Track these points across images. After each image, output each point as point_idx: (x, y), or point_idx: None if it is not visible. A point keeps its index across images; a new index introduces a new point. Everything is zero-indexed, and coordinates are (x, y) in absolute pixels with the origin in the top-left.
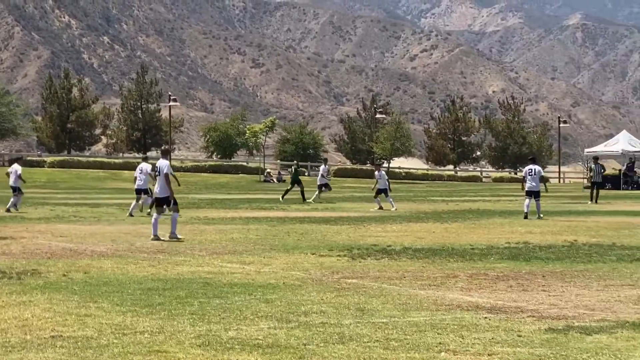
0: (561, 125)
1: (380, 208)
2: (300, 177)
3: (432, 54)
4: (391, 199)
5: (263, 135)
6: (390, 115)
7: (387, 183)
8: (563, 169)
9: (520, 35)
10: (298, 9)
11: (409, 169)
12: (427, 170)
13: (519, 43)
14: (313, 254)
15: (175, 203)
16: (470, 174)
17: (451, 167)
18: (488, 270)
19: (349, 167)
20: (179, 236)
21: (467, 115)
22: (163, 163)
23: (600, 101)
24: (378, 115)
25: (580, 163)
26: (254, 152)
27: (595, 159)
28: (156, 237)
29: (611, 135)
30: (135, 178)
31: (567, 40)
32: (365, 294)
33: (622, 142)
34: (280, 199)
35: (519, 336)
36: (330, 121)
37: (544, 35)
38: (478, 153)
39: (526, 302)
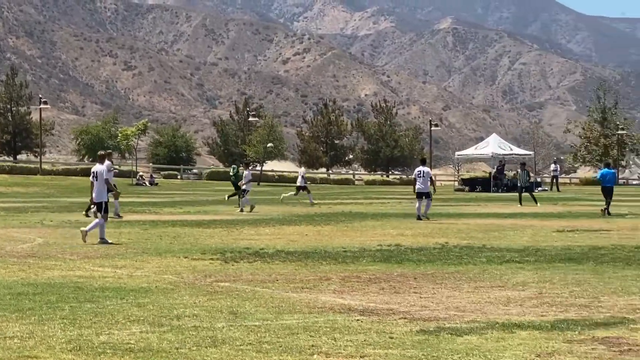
0: (432, 128)
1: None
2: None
3: (304, 57)
4: (247, 201)
5: (135, 138)
6: (263, 118)
7: (250, 184)
8: (434, 171)
9: (392, 39)
10: (170, 12)
11: (282, 172)
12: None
13: (391, 47)
14: (186, 257)
15: (106, 210)
16: (343, 176)
17: (324, 170)
18: (360, 273)
19: (221, 170)
20: (109, 240)
21: (339, 118)
22: (100, 168)
23: (470, 105)
24: (251, 119)
25: (451, 166)
26: (126, 155)
27: (523, 165)
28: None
29: (481, 139)
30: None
31: (438, 44)
32: (238, 297)
33: (492, 145)
34: (226, 198)
35: (391, 338)
36: (203, 124)
37: (416, 39)
38: (350, 156)
39: (398, 304)
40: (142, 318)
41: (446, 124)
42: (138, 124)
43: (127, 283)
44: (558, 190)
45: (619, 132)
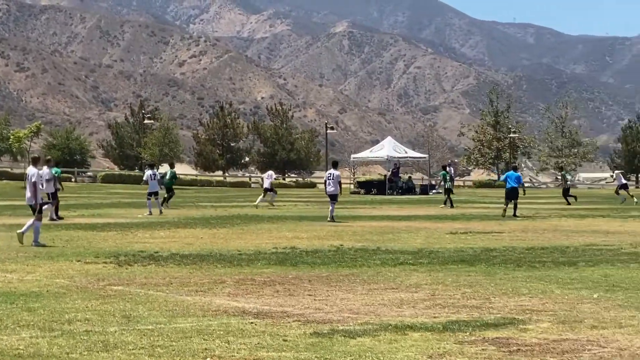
0: (328, 131)
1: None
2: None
3: (201, 60)
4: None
5: (28, 140)
6: (159, 120)
7: (157, 185)
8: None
9: (288, 42)
10: (64, 13)
11: (178, 174)
12: (196, 176)
13: (287, 50)
14: (78, 261)
15: (40, 212)
16: (240, 179)
17: (220, 172)
18: (255, 276)
19: (116, 172)
20: (43, 243)
21: (235, 121)
22: (32, 171)
23: (366, 108)
24: (146, 121)
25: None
26: (19, 157)
27: (445, 167)
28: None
29: (377, 141)
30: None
31: (334, 47)
32: (131, 301)
33: (387, 148)
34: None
35: (285, 340)
36: (98, 126)
37: (312, 42)
38: (247, 159)
39: (292, 306)
40: (32, 323)
41: (342, 126)
42: (31, 126)
43: (18, 287)
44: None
45: (511, 135)
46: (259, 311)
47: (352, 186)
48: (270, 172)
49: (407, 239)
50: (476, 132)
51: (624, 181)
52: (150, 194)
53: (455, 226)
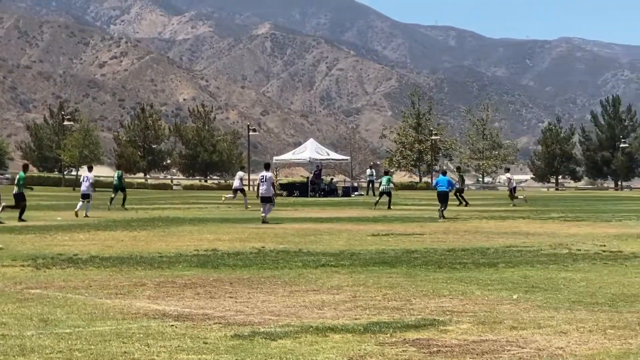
0: (251, 133)
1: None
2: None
3: (122, 61)
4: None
5: None
6: (79, 122)
7: (90, 188)
8: (252, 176)
9: (210, 44)
10: None
11: (98, 177)
12: None
13: (210, 51)
14: None
15: None
16: (161, 181)
17: (141, 174)
18: (176, 278)
19: (35, 174)
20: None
21: (157, 122)
22: None
23: (289, 110)
24: (66, 123)
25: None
26: None
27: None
28: None
29: (299, 144)
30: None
31: (256, 49)
32: (49, 304)
33: (309, 150)
34: (109, 204)
35: (205, 343)
36: (17, 128)
37: (234, 44)
38: (168, 161)
39: (213, 309)
40: None
41: (264, 128)
42: None
43: None
44: (374, 194)
45: (433, 137)
46: (180, 314)
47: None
48: (241, 172)
49: (329, 240)
50: (398, 134)
51: (514, 185)
52: (82, 196)
53: (377, 228)
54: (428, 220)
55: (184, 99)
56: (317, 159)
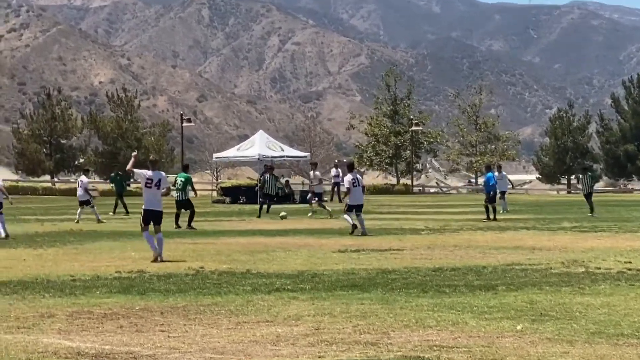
0: (185, 124)
1: None
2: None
3: (22, 35)
4: None
5: None
6: None
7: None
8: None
9: (133, 13)
10: None
11: None
12: (17, 182)
13: (132, 22)
14: None
15: None
16: (72, 185)
17: (48, 177)
18: (93, 307)
19: None
20: None
21: (67, 112)
22: None
23: (232, 95)
24: None
25: (208, 171)
26: None
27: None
28: None
29: (246, 137)
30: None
31: (190, 19)
32: None
33: (258, 145)
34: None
35: None
36: None
37: (163, 12)
38: (82, 160)
39: (140, 345)
40: None
41: (202, 118)
42: None
43: None
44: (340, 200)
45: (413, 127)
46: (98, 352)
47: (214, 193)
48: (83, 177)
49: (284, 259)
50: (369, 124)
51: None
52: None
53: (344, 242)
54: (408, 233)
55: (100, 82)
56: (268, 157)
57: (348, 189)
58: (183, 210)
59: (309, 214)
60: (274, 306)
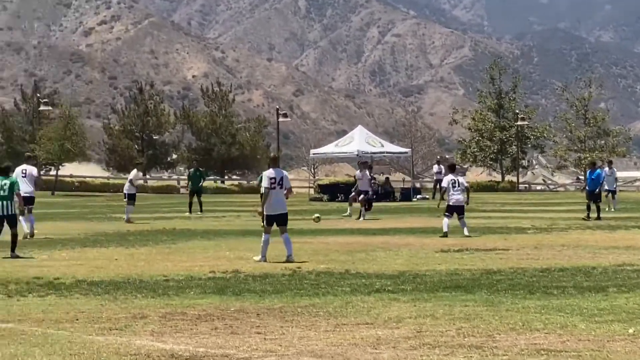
0: (280, 119)
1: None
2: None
3: (113, 28)
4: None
5: None
6: (59, 107)
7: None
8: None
9: (227, 4)
10: None
11: (84, 177)
12: (108, 178)
13: (226, 14)
14: None
15: None
16: (165, 183)
17: (140, 174)
18: (187, 308)
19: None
20: None
21: (159, 106)
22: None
23: (329, 89)
24: (42, 108)
25: (305, 168)
26: None
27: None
28: None
29: (344, 132)
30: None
31: (287, 10)
32: (25, 343)
33: (357, 141)
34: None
35: None
36: None
37: (258, 4)
38: (174, 156)
39: (236, 348)
40: None
41: (298, 113)
42: None
43: None
44: (442, 198)
45: (519, 122)
46: (192, 354)
47: (311, 191)
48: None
49: (384, 259)
50: (473, 119)
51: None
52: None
53: (447, 242)
54: (514, 232)
55: (194, 76)
56: (367, 153)
57: (446, 188)
58: None
59: (359, 218)
60: (374, 308)
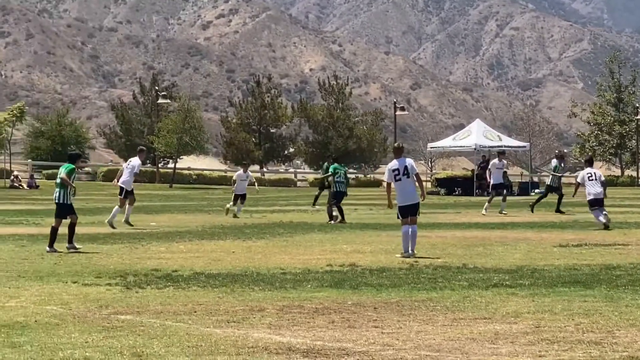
0: (398, 112)
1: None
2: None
3: (230, 21)
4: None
5: (9, 126)
6: (177, 100)
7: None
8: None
9: None
10: None
11: (202, 170)
12: (226, 171)
13: (344, 7)
14: (75, 282)
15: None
16: (282, 176)
17: (257, 167)
18: (304, 302)
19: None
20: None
21: (277, 100)
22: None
23: (447, 82)
24: (161, 101)
25: (422, 161)
26: None
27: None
28: None
29: (462, 126)
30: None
31: (404, 3)
32: (143, 335)
33: (475, 135)
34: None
35: None
36: (99, 108)
37: None
38: (291, 149)
39: (353, 341)
40: None
41: (415, 106)
42: (12, 108)
43: None
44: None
45: (639, 116)
46: (310, 348)
47: (428, 184)
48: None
49: (502, 253)
50: (592, 112)
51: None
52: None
53: (565, 237)
54: (634, 227)
55: (311, 69)
56: (485, 147)
57: (580, 183)
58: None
59: None
60: (492, 302)
